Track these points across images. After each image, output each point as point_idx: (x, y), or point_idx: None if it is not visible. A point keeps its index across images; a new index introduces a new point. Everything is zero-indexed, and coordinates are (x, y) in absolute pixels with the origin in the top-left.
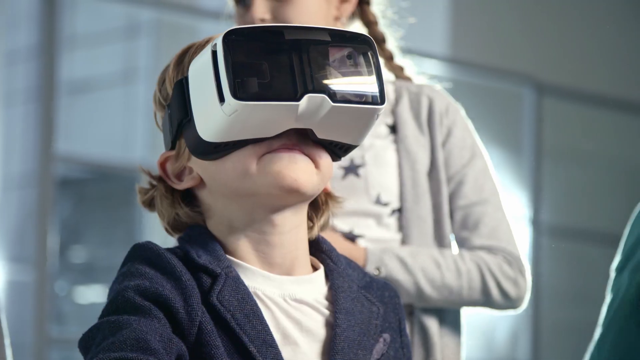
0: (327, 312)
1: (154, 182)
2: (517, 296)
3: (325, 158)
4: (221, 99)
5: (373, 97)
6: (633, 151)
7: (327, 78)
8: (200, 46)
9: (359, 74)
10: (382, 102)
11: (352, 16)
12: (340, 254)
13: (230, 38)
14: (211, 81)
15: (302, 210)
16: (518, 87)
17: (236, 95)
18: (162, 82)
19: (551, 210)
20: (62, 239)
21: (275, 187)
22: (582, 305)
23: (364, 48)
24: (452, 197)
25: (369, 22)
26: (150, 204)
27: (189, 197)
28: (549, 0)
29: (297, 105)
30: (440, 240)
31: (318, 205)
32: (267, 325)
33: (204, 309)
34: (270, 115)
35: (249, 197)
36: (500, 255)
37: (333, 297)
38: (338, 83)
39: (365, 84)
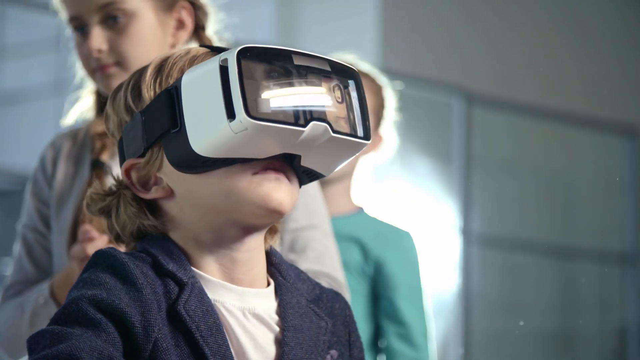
0: (277, 328)
1: (114, 189)
2: None
3: (296, 183)
4: (230, 115)
5: (361, 131)
6: (563, 160)
7: (326, 108)
8: (180, 57)
9: (351, 107)
10: (368, 137)
11: (189, 41)
12: (290, 265)
13: (244, 55)
14: (217, 96)
15: (265, 229)
16: (447, 97)
17: (249, 113)
18: (133, 87)
19: (481, 219)
20: None
21: (260, 207)
22: (512, 315)
23: (357, 82)
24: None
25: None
26: (105, 212)
27: (149, 207)
28: (478, 11)
29: (303, 131)
30: None
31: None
32: (227, 340)
33: (165, 320)
34: (275, 137)
35: (226, 214)
36: (324, 280)
37: (282, 313)
38: (334, 114)
39: (356, 117)
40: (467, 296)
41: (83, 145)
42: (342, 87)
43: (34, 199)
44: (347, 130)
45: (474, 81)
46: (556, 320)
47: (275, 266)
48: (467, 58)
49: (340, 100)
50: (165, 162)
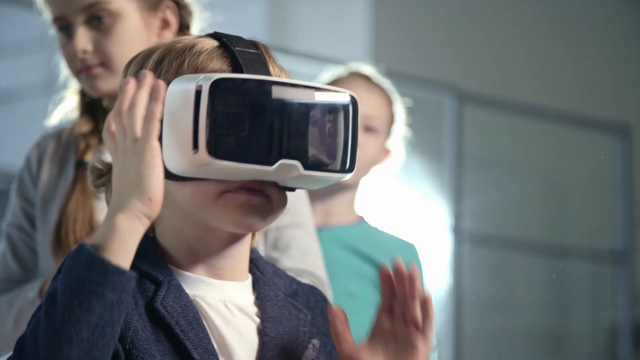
0: (257, 319)
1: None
2: None
3: (279, 193)
4: (195, 146)
5: (343, 163)
6: (554, 159)
7: (303, 143)
8: (183, 51)
9: (336, 136)
10: (351, 169)
11: None
12: (267, 262)
13: (217, 87)
14: (189, 122)
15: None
16: (439, 96)
17: (210, 152)
18: (135, 72)
19: (472, 218)
20: None
21: (230, 225)
22: (504, 313)
23: (346, 108)
24: None
25: None
26: (101, 186)
27: None
28: (470, 9)
29: (269, 169)
30: None
31: None
32: (208, 333)
33: (145, 318)
34: (241, 174)
35: (202, 221)
36: (307, 278)
37: (260, 305)
38: (313, 148)
39: (339, 149)
40: (459, 294)
41: (67, 146)
42: (327, 115)
43: (20, 198)
44: (326, 160)
45: (466, 80)
46: (548, 319)
47: (253, 261)
48: (459, 56)
49: (320, 131)
50: None
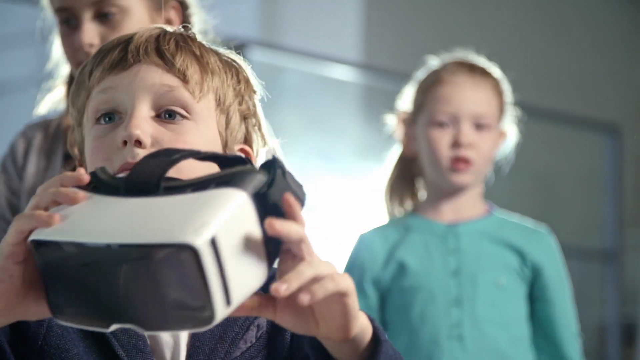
0: None
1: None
2: None
3: None
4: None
5: (200, 319)
6: (543, 157)
7: (141, 303)
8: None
9: (190, 287)
10: (211, 321)
11: None
12: None
13: (36, 249)
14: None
15: None
16: None
17: (52, 312)
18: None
19: None
20: None
21: None
22: None
23: (190, 252)
24: None
25: None
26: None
27: None
28: (462, 7)
29: (107, 331)
30: None
31: None
32: None
33: None
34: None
35: None
36: None
37: None
38: (155, 306)
39: (194, 302)
40: None
41: (55, 138)
42: (163, 269)
43: (4, 187)
44: (174, 322)
45: None
46: None
47: None
48: (451, 53)
49: (158, 287)
50: None
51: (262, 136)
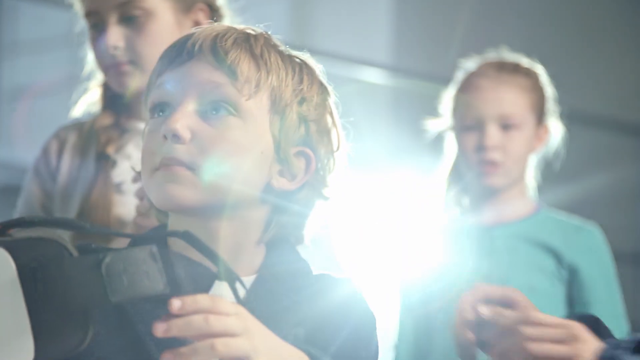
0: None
1: None
2: None
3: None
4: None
5: None
6: (575, 160)
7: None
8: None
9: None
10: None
11: None
12: (296, 274)
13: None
14: None
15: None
16: None
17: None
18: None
19: None
20: None
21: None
22: None
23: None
24: None
25: None
26: None
27: None
28: (490, 8)
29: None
30: None
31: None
32: None
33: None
34: None
35: None
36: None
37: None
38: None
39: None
40: None
41: (89, 138)
42: None
43: (38, 191)
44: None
45: None
46: None
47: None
48: (483, 55)
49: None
50: None
51: (330, 140)
